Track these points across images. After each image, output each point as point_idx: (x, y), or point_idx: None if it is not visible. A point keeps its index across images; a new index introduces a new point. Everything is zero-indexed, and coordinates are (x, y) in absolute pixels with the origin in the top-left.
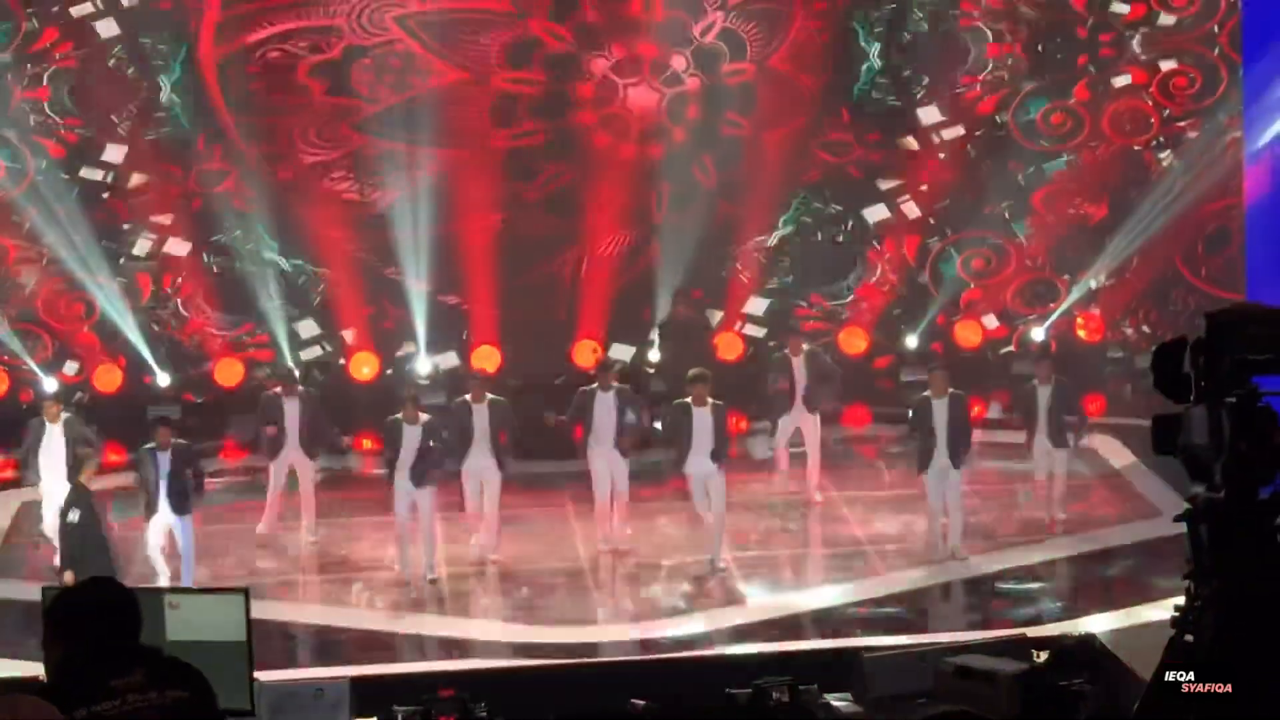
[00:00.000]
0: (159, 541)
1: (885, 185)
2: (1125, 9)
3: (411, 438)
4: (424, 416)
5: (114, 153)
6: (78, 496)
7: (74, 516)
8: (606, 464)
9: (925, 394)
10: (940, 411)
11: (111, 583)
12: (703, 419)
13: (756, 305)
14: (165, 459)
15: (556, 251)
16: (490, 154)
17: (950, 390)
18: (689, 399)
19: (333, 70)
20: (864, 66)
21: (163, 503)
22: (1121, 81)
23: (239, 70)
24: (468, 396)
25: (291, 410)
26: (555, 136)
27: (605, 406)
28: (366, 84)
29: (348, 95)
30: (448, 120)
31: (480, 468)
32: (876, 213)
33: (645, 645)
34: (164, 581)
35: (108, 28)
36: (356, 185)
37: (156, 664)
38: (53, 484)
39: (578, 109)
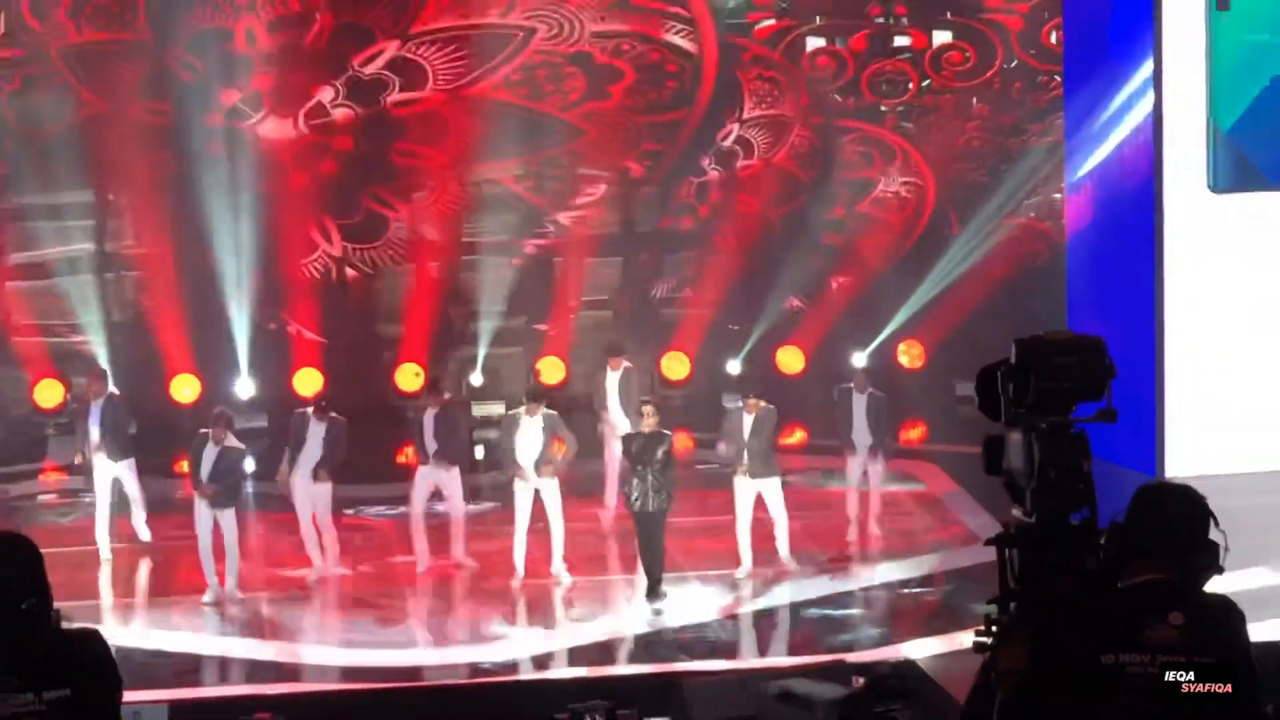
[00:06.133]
0: None
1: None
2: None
3: (209, 457)
4: (230, 440)
5: None
6: None
7: None
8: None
9: (737, 404)
10: (746, 423)
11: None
12: (531, 430)
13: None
14: None
15: (383, 275)
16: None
17: (760, 405)
18: (522, 410)
19: None
20: None
21: None
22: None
23: None
24: (309, 410)
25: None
26: None
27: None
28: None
29: None
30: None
31: (307, 483)
32: None
33: (473, 669)
34: None
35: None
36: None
37: (38, 662)
38: None
39: None
